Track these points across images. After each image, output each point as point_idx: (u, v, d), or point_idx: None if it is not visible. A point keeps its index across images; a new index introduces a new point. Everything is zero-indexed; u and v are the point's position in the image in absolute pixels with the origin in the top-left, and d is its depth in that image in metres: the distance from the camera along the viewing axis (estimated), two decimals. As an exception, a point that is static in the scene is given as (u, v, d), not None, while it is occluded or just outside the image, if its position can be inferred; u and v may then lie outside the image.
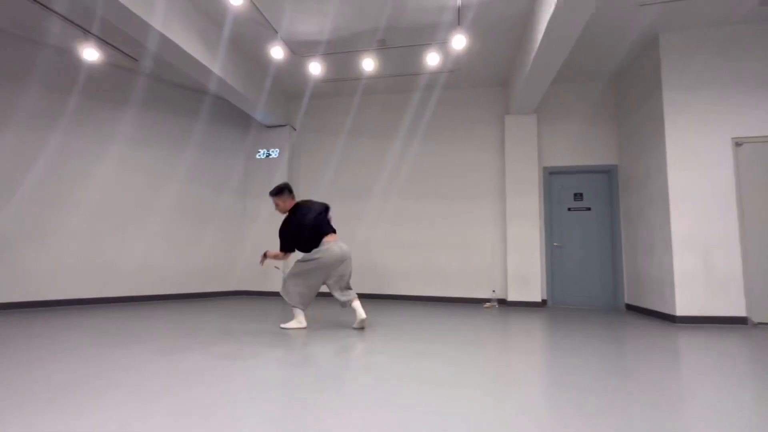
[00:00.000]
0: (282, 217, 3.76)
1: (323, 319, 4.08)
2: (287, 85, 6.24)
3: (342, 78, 5.92)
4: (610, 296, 5.56)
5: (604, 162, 5.69)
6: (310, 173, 6.59)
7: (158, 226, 5.68)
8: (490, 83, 6.01)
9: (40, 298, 4.75)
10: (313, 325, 3.72)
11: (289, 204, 3.63)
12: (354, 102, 6.53)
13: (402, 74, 5.76)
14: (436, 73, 5.71)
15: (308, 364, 2.38)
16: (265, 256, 3.59)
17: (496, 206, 5.88)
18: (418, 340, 3.12)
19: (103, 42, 4.76)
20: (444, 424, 1.54)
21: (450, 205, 6.02)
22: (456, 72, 5.63)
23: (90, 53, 4.58)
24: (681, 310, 4.21)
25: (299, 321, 3.58)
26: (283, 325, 3.58)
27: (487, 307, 5.33)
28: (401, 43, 4.94)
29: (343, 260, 3.50)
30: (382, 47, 5.00)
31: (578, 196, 5.79)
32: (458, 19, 4.36)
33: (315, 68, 5.15)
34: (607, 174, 5.72)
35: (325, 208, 3.67)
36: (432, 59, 4.88)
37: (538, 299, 5.43)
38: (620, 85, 5.59)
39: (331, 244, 3.49)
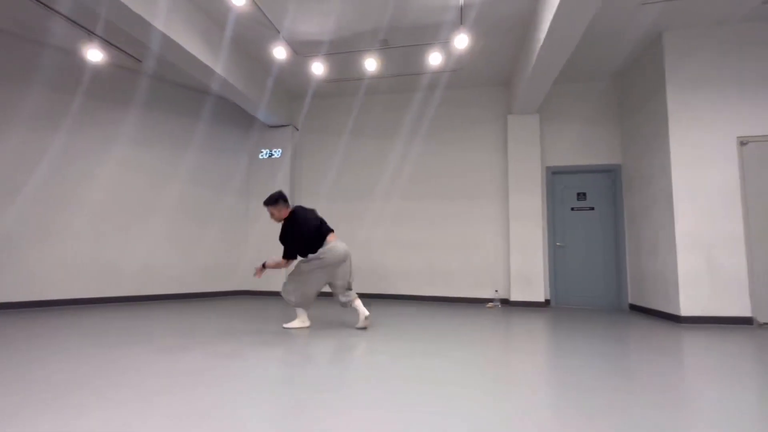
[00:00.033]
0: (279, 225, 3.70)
1: (324, 319, 4.08)
2: (290, 85, 6.24)
3: (344, 78, 5.92)
4: (614, 296, 5.52)
5: (608, 161, 5.66)
6: (312, 173, 6.60)
7: (161, 226, 5.70)
8: (493, 83, 5.99)
9: (43, 297, 4.78)
10: (313, 325, 3.72)
11: (285, 212, 3.56)
12: (356, 102, 6.53)
13: (404, 74, 5.76)
14: (438, 73, 5.69)
15: (308, 363, 2.38)
16: (263, 267, 3.51)
17: (498, 206, 5.86)
18: (419, 340, 3.11)
19: (106, 43, 4.78)
20: (444, 424, 1.54)
21: (452, 204, 6.01)
22: (458, 72, 5.61)
23: (93, 54, 4.61)
24: (685, 311, 4.18)
25: (302, 320, 3.58)
26: (285, 325, 3.58)
27: (489, 307, 5.31)
28: (403, 42, 4.93)
29: (345, 258, 3.51)
30: (385, 47, 4.99)
31: (581, 196, 5.76)
32: (461, 18, 4.35)
33: (317, 68, 5.16)
34: (611, 173, 5.68)
35: (314, 211, 3.71)
36: (434, 59, 4.87)
37: (541, 299, 5.41)
38: (623, 84, 5.56)
39: (335, 243, 3.51)
